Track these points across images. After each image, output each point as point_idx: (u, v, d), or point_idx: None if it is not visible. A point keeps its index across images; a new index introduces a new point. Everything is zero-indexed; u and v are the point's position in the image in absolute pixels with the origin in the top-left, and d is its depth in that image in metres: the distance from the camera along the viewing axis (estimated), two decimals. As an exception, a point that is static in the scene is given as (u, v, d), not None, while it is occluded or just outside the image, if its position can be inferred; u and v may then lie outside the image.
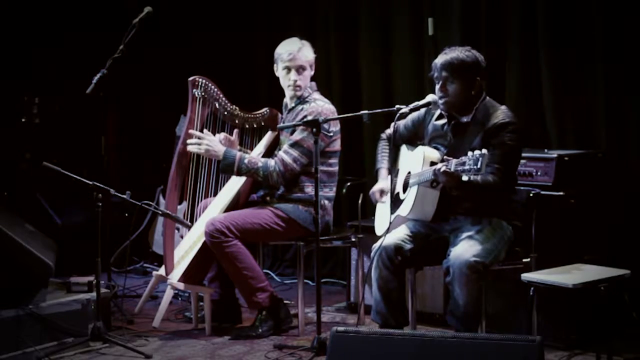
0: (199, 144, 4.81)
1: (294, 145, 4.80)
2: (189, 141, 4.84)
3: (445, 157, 4.01)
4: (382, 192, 4.53)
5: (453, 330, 4.16)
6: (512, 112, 4.24)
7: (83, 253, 5.06)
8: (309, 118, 4.69)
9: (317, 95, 4.94)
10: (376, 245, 4.28)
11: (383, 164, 4.62)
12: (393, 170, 4.52)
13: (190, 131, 4.84)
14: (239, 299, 5.08)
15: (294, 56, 4.84)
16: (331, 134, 4.86)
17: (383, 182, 4.56)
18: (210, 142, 4.83)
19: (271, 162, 4.81)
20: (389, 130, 4.61)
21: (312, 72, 4.93)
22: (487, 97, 4.28)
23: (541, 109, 5.16)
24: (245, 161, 4.81)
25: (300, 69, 4.86)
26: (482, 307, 4.20)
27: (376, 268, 4.29)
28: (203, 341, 4.79)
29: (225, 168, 4.83)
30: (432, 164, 4.19)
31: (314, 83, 4.98)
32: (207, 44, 6.57)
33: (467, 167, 3.80)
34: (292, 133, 4.84)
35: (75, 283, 4.80)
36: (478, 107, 4.23)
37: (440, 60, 4.22)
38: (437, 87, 4.24)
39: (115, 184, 4.73)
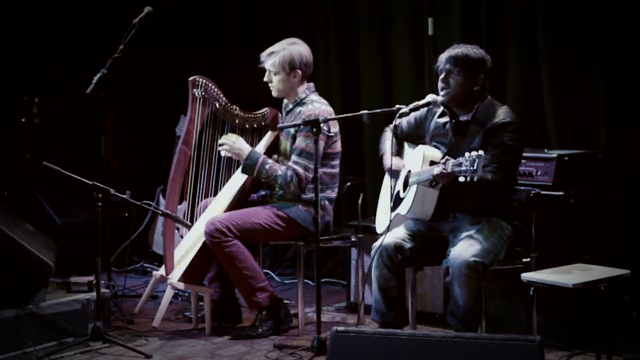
0: (225, 144, 4.88)
1: (301, 154, 4.80)
2: (219, 148, 4.90)
3: (445, 157, 4.01)
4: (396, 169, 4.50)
5: (453, 330, 4.16)
6: (513, 112, 4.25)
7: (83, 253, 5.06)
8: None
9: (314, 96, 4.93)
10: (376, 244, 4.29)
11: (387, 150, 4.55)
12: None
13: (222, 139, 4.92)
14: (239, 299, 5.08)
15: (263, 59, 4.89)
16: (332, 134, 4.86)
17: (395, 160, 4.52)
18: (234, 142, 4.89)
19: (289, 172, 4.80)
20: (392, 125, 4.60)
21: (295, 78, 4.86)
22: (489, 97, 4.29)
23: (541, 109, 5.16)
24: (267, 167, 4.82)
25: (270, 72, 4.89)
26: (482, 307, 4.20)
27: (376, 267, 4.29)
28: (203, 341, 4.79)
29: (246, 168, 4.85)
30: (432, 163, 4.20)
31: (312, 84, 4.97)
32: (207, 44, 6.57)
33: (463, 167, 3.82)
34: (293, 137, 4.85)
35: (75, 283, 4.80)
36: (479, 106, 4.24)
37: (446, 54, 4.27)
38: (440, 78, 4.26)
39: (115, 184, 4.73)
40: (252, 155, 4.85)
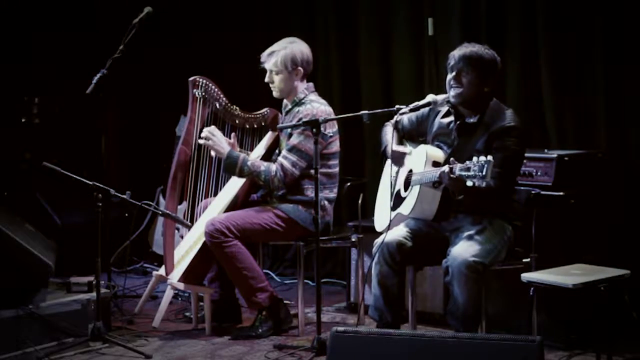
0: (209, 139, 4.82)
1: (292, 149, 4.79)
2: (200, 141, 4.85)
3: (451, 159, 3.99)
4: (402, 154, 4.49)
5: (453, 330, 4.17)
6: (518, 116, 4.24)
7: (83, 253, 5.06)
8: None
9: (313, 96, 4.93)
10: (378, 241, 4.28)
11: (389, 142, 4.49)
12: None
13: (205, 131, 4.85)
14: (239, 299, 5.08)
15: (263, 60, 4.88)
16: (330, 135, 4.85)
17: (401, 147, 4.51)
18: (219, 139, 4.84)
19: (273, 167, 4.80)
20: (393, 120, 4.57)
21: (297, 76, 4.86)
22: (494, 99, 4.28)
23: (541, 109, 5.16)
24: (248, 163, 4.80)
25: (271, 72, 4.88)
26: (481, 307, 4.20)
27: (377, 264, 4.29)
28: (203, 341, 4.79)
29: (227, 167, 4.83)
30: (435, 163, 4.19)
31: (311, 84, 4.97)
32: (207, 44, 6.58)
33: (471, 172, 3.79)
34: (289, 136, 4.84)
35: (75, 283, 4.80)
36: (486, 109, 4.22)
37: (458, 52, 4.22)
38: (450, 76, 4.22)
39: (115, 184, 4.73)
40: (231, 154, 4.81)
